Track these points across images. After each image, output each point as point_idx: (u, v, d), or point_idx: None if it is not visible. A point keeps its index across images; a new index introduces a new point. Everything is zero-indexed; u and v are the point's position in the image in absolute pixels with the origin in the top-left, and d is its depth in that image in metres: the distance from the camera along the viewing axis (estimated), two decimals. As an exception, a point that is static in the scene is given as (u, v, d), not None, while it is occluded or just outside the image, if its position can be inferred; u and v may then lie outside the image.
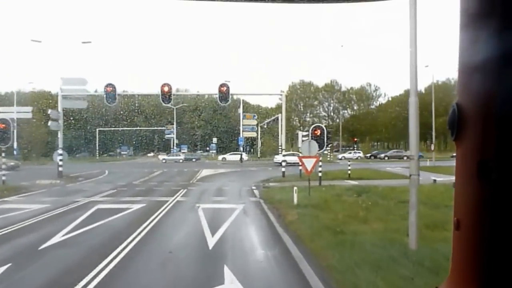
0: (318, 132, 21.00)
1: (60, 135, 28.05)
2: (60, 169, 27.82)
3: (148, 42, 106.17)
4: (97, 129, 73.77)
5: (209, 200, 17.28)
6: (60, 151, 27.81)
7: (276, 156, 42.81)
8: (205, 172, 34.31)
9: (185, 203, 16.66)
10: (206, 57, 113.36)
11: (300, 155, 20.35)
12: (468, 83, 0.80)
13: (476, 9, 0.77)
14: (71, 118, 68.25)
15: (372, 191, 19.02)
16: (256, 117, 49.10)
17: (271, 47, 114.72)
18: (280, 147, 48.71)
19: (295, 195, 14.97)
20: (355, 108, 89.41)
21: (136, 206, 15.43)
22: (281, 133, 45.03)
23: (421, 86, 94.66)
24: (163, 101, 27.05)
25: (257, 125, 50.21)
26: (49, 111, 27.37)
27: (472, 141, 0.78)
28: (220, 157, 59.55)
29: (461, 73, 0.82)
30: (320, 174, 21.57)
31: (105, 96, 26.94)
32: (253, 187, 22.45)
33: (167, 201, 16.94)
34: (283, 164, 27.08)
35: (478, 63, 0.76)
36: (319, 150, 20.24)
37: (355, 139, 51.79)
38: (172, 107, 67.25)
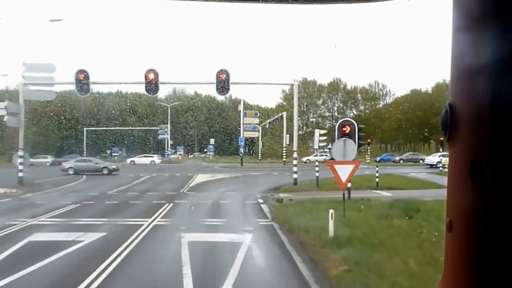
0: (347, 129, 15.79)
1: (21, 133, 22.86)
2: (20, 174, 22.61)
3: (136, 30, 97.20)
4: (85, 129, 68.77)
5: (201, 225, 12.09)
6: (20, 153, 22.59)
7: (428, 157, 37.23)
8: (200, 178, 29.08)
9: (166, 229, 11.50)
10: (202, 57, 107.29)
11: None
12: (460, 84, 0.80)
13: (469, 11, 0.77)
14: (62, 118, 65.98)
15: (422, 209, 14.04)
16: (258, 114, 43.86)
17: (271, 47, 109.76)
18: (283, 147, 43.63)
19: (331, 222, 9.80)
20: (361, 108, 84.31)
21: (89, 238, 10.23)
22: (287, 133, 39.98)
23: (428, 85, 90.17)
24: (148, 91, 21.86)
25: (259, 124, 45.02)
26: (6, 103, 22.10)
27: (464, 141, 0.78)
28: (128, 160, 53.20)
29: (453, 74, 0.82)
30: (349, 184, 16.41)
31: (76, 85, 21.75)
32: (260, 200, 17.32)
33: (141, 225, 11.77)
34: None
35: (471, 65, 0.76)
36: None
37: (368, 140, 46.59)
38: (166, 104, 62.24)
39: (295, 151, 21.93)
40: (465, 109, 0.77)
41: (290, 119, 65.76)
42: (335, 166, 12.25)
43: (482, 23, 0.74)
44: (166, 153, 64.59)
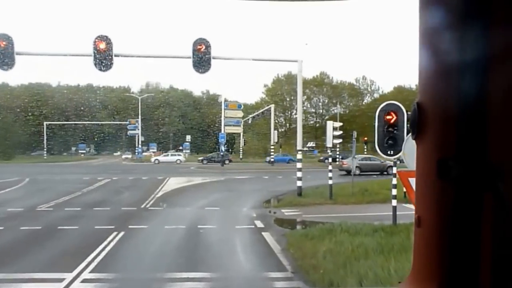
0: (393, 117, 10.26)
1: None
2: None
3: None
4: (45, 123, 62.02)
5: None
6: None
7: None
8: (172, 183, 23.06)
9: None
10: (180, 46, 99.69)
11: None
12: (428, 83, 0.81)
13: (434, 13, 0.78)
14: (30, 114, 64.63)
15: None
16: (242, 107, 38.07)
17: (255, 39, 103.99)
18: (272, 144, 38.04)
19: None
20: (348, 104, 79.89)
21: None
22: (274, 129, 34.44)
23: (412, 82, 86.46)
24: (97, 65, 15.72)
25: (242, 118, 39.27)
26: None
27: (431, 140, 0.79)
28: None
29: (421, 73, 0.83)
30: (395, 202, 10.92)
31: (-4, 56, 15.52)
32: (259, 223, 11.62)
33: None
34: None
35: (437, 65, 0.78)
36: (392, 153, 10.36)
37: (365, 138, 41.68)
38: (136, 96, 55.84)
39: (299, 150, 16.27)
40: (432, 107, 0.77)
41: (275, 114, 60.35)
42: (411, 180, 6.76)
43: (448, 24, 0.74)
44: (137, 151, 57.94)
